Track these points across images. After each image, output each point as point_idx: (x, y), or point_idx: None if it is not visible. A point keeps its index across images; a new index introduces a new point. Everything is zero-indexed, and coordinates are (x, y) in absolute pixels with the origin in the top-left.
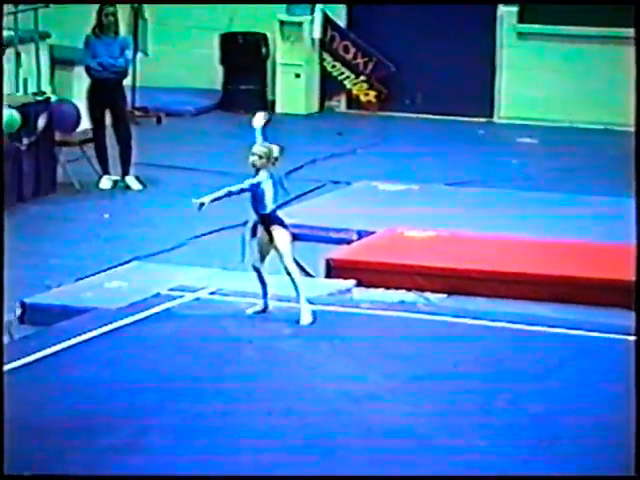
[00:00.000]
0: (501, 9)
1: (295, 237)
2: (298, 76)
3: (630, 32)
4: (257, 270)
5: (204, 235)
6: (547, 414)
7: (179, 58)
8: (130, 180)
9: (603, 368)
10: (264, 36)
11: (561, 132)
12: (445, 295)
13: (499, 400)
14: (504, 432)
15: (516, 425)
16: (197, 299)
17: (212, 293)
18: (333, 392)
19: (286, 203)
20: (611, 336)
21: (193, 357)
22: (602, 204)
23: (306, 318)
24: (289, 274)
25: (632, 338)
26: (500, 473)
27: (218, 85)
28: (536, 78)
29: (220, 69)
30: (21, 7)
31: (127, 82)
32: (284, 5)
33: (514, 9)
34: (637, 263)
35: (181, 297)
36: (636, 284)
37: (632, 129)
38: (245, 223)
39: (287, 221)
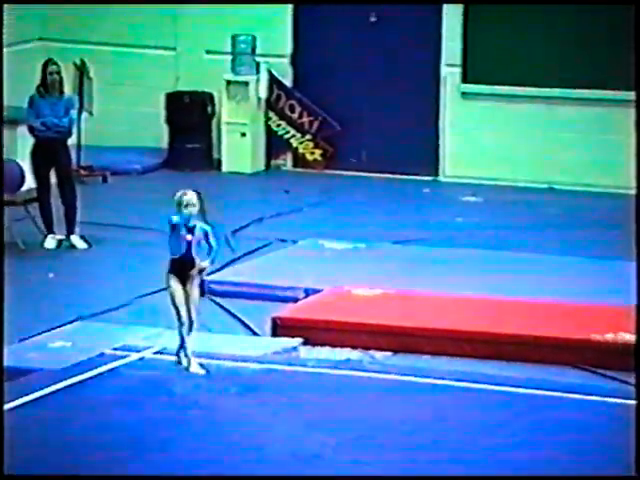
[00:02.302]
0: (445, 69)
1: (243, 296)
2: (244, 135)
3: (574, 92)
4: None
5: (149, 294)
6: (494, 467)
7: (125, 117)
8: (75, 239)
9: (550, 425)
10: (210, 95)
11: (505, 191)
12: (391, 353)
13: (444, 455)
14: None
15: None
16: (141, 359)
17: (157, 353)
18: (280, 452)
19: (233, 261)
20: (558, 394)
21: (138, 417)
22: (547, 262)
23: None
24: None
25: (579, 396)
26: None
27: (164, 144)
28: (480, 137)
29: (166, 128)
30: None
31: (72, 141)
32: (230, 64)
33: (457, 70)
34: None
35: (126, 357)
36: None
37: (575, 188)
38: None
39: (233, 279)
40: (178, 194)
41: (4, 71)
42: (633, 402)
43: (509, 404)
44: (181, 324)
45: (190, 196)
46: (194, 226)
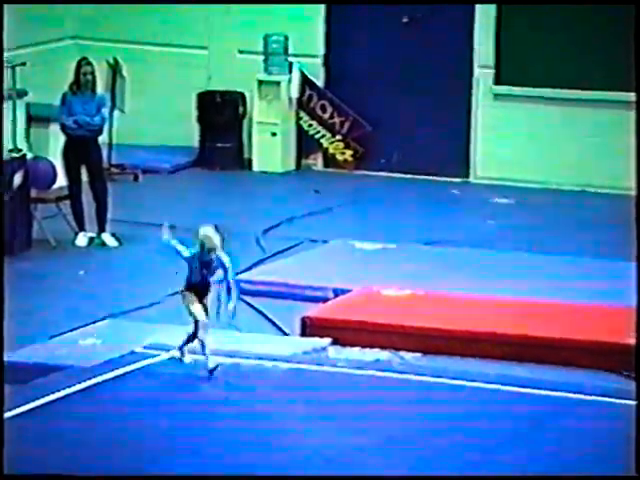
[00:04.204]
0: (477, 71)
1: (272, 295)
2: (275, 134)
3: (607, 95)
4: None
5: (179, 293)
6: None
7: (156, 115)
8: (106, 237)
9: (581, 428)
10: (242, 95)
11: (537, 193)
12: (420, 354)
13: (474, 457)
14: None
15: None
16: (172, 357)
17: (189, 352)
18: (309, 452)
19: (262, 261)
20: (589, 397)
21: (168, 416)
22: (580, 264)
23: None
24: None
25: (608, 399)
26: None
27: (195, 143)
28: (512, 139)
29: (197, 127)
30: None
31: (104, 139)
32: (262, 64)
33: (490, 71)
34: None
35: (156, 355)
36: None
37: (609, 190)
38: (220, 282)
39: (263, 279)
40: (201, 235)
41: (37, 69)
42: None
43: (539, 407)
44: (198, 328)
45: (214, 240)
46: (210, 260)
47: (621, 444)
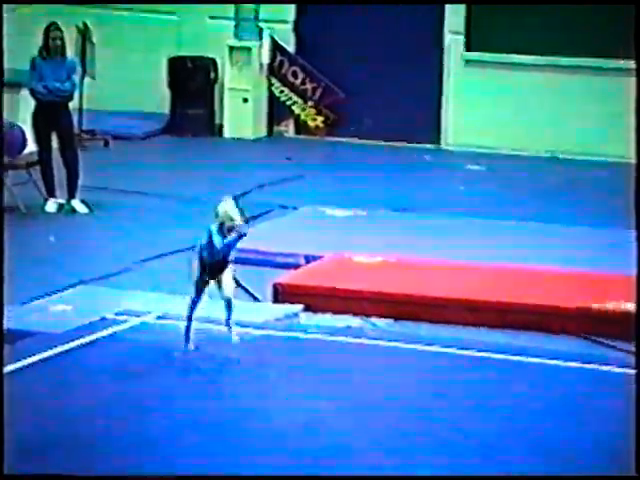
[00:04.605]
0: (448, 37)
1: (244, 262)
2: (246, 101)
3: (576, 61)
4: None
5: (150, 259)
6: (491, 435)
7: (127, 81)
8: (76, 204)
9: (552, 394)
10: (213, 61)
11: (508, 159)
12: (392, 320)
13: (443, 423)
14: (446, 452)
15: (459, 446)
16: (143, 323)
17: (159, 317)
18: (280, 417)
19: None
20: (560, 363)
21: (139, 382)
22: (549, 230)
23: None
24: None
25: (581, 365)
26: None
27: (166, 109)
28: (483, 105)
29: (168, 93)
30: None
31: (74, 105)
32: (233, 30)
33: (461, 38)
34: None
35: (127, 321)
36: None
37: (579, 157)
38: (192, 247)
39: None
40: (222, 212)
41: (7, 34)
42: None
43: (510, 372)
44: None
45: (235, 222)
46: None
47: (584, 406)
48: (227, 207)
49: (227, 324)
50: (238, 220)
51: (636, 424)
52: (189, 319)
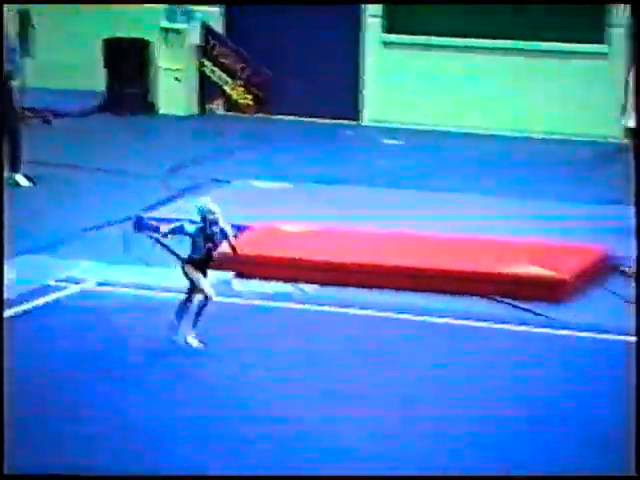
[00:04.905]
0: (367, 20)
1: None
2: (179, 80)
3: (491, 42)
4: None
5: (89, 230)
6: (408, 385)
7: (65, 61)
8: (19, 178)
9: (466, 350)
10: (146, 42)
11: (424, 134)
12: (318, 286)
13: (364, 382)
14: (365, 404)
15: (376, 398)
16: (84, 290)
17: (98, 284)
18: (214, 377)
19: (168, 199)
20: (474, 323)
21: (80, 346)
22: (467, 201)
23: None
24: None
25: (492, 325)
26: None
27: (103, 88)
28: (400, 85)
29: (104, 73)
30: None
31: (16, 83)
32: (165, 13)
33: (379, 20)
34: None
35: (68, 288)
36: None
37: (491, 132)
38: (128, 218)
39: (169, 216)
40: (203, 207)
41: None
42: (544, 330)
43: (427, 331)
44: (187, 302)
45: (216, 216)
46: (213, 232)
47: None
48: (206, 203)
49: (194, 325)
50: (218, 213)
51: (636, 424)
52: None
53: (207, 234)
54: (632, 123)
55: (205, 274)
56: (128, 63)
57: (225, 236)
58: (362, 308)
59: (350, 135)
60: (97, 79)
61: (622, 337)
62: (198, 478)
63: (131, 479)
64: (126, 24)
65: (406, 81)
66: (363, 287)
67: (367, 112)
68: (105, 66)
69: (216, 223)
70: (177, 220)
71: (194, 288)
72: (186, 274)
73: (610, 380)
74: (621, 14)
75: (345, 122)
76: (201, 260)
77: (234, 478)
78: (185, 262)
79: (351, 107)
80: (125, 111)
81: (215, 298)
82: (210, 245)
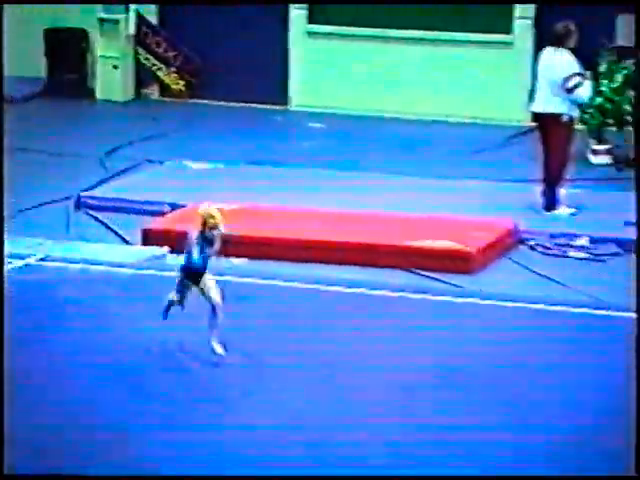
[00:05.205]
0: (293, 11)
1: (116, 210)
2: (116, 67)
3: (403, 33)
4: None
5: (30, 209)
6: (329, 354)
7: (7, 49)
8: None
9: (383, 320)
10: (85, 31)
11: (345, 119)
12: (246, 259)
13: (291, 349)
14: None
15: (305, 366)
16: (27, 265)
17: (40, 260)
18: (149, 343)
19: (106, 179)
20: (386, 293)
21: (25, 319)
22: (387, 180)
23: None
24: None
25: (411, 295)
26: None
27: (43, 74)
28: (324, 72)
29: (45, 60)
30: None
31: None
32: (103, 4)
33: (304, 12)
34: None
35: (11, 263)
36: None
37: (408, 116)
38: (68, 198)
39: (107, 195)
40: (203, 213)
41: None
42: (455, 299)
43: (346, 302)
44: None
45: (216, 219)
46: (212, 237)
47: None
48: (207, 208)
49: (210, 328)
50: (218, 218)
51: (636, 424)
52: (164, 317)
53: (207, 238)
54: (536, 108)
55: (197, 282)
56: (68, 51)
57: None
58: (287, 280)
59: (278, 119)
60: (39, 67)
61: (529, 305)
62: (198, 478)
63: (131, 479)
64: (66, 15)
65: (330, 69)
66: (288, 260)
67: (294, 98)
68: (46, 54)
69: (216, 228)
70: (117, 200)
71: (182, 297)
72: (187, 285)
73: (517, 343)
74: (526, 8)
75: (274, 107)
76: (193, 271)
77: (233, 478)
78: (182, 274)
79: (279, 93)
80: (65, 96)
81: (220, 304)
82: (206, 250)
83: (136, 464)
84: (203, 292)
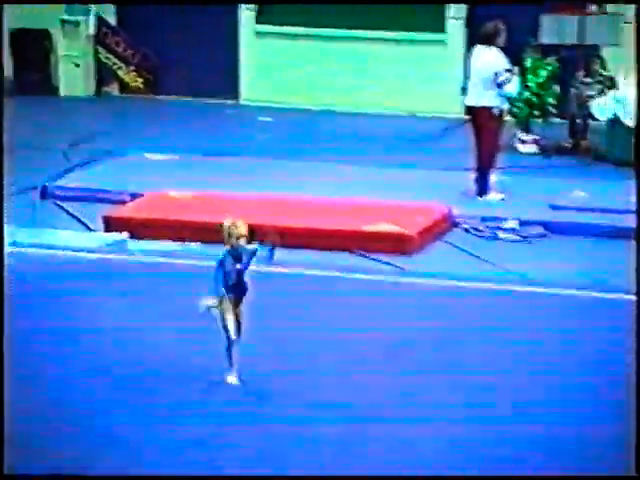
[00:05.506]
0: (242, 13)
1: (79, 199)
2: (78, 66)
3: (343, 32)
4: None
5: None
6: (282, 331)
7: None
8: None
9: (336, 299)
10: (48, 32)
11: (292, 112)
12: (201, 244)
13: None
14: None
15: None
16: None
17: (10, 245)
18: (110, 325)
19: (69, 170)
20: (337, 274)
21: None
22: (336, 169)
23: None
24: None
25: (354, 275)
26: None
27: (10, 73)
28: (272, 69)
29: (11, 60)
30: None
31: None
32: (65, 7)
33: (252, 13)
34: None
35: None
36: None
37: (350, 110)
38: (34, 188)
39: (71, 185)
40: (227, 224)
41: None
42: (395, 278)
43: (296, 283)
44: (231, 344)
45: (240, 228)
46: (240, 252)
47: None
48: (234, 222)
49: (229, 358)
50: (242, 228)
51: (636, 424)
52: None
53: (235, 255)
54: (469, 101)
55: (237, 304)
56: (32, 51)
57: (254, 254)
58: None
59: (230, 113)
60: (5, 66)
61: (463, 282)
62: (198, 478)
63: (131, 479)
64: (30, 17)
65: (277, 66)
66: None
67: (244, 93)
68: (12, 54)
69: (242, 237)
70: (81, 189)
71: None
72: (220, 304)
73: (451, 318)
74: (459, 8)
75: (226, 101)
76: (235, 285)
77: (233, 478)
78: (224, 293)
79: (231, 88)
80: (30, 93)
81: (234, 338)
82: (239, 267)
83: (136, 464)
84: (237, 317)
